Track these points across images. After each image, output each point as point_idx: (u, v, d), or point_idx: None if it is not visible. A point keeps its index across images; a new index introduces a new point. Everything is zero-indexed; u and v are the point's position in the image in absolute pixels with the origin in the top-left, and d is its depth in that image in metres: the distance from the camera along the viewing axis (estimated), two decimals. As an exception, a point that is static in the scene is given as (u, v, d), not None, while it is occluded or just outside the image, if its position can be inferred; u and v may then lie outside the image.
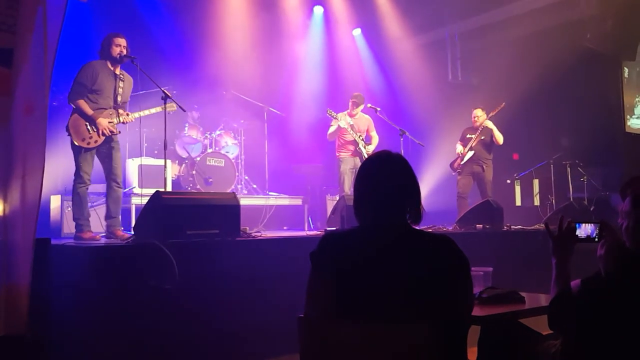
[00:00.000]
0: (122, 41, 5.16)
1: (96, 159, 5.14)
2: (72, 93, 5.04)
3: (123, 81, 5.26)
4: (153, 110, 5.42)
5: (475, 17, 9.22)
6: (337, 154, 7.19)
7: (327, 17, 9.57)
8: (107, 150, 5.11)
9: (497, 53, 8.64)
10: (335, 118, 7.00)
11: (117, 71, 5.22)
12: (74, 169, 5.03)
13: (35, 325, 2.84)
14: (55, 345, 3.19)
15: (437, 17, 9.38)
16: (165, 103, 5.18)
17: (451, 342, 1.79)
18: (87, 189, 5.05)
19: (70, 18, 3.95)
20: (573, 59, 7.97)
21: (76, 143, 4.96)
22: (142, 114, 5.42)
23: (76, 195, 4.99)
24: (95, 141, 5.01)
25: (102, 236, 5.14)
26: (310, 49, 9.51)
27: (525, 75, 8.14)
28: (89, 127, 4.99)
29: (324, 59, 9.54)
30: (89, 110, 4.99)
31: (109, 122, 5.08)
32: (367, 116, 7.36)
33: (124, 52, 5.14)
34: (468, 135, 7.61)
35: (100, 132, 5.01)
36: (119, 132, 5.22)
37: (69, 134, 4.97)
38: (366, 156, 6.97)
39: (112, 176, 5.12)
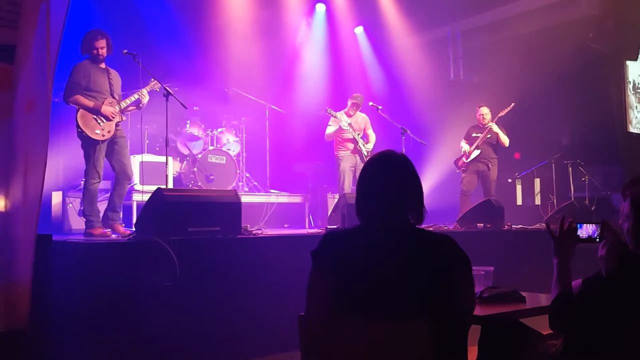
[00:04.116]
0: (101, 42, 5.17)
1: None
2: (66, 93, 5.06)
3: (111, 75, 5.30)
4: (136, 96, 5.37)
5: (477, 15, 9.21)
6: (336, 153, 7.16)
7: (330, 15, 9.56)
8: (118, 147, 5.18)
9: (499, 52, 8.63)
10: (335, 117, 6.98)
11: (103, 66, 5.27)
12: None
13: (36, 321, 2.84)
14: (55, 341, 3.20)
15: (439, 16, 9.36)
16: (167, 100, 5.20)
17: (452, 341, 1.80)
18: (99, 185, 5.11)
19: (72, 14, 3.94)
20: (575, 58, 7.94)
21: (92, 137, 4.99)
22: (127, 101, 5.34)
23: (88, 191, 5.03)
24: (109, 131, 5.09)
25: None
26: (312, 46, 9.50)
27: (527, 74, 8.13)
28: (97, 119, 5.03)
29: (326, 56, 9.53)
30: (89, 103, 5.04)
31: (113, 108, 5.15)
32: (363, 114, 7.32)
33: (104, 53, 5.17)
34: (474, 134, 7.58)
35: (109, 117, 5.06)
36: (124, 118, 5.29)
37: (81, 130, 4.99)
38: (366, 154, 6.96)
39: (126, 173, 5.21)
